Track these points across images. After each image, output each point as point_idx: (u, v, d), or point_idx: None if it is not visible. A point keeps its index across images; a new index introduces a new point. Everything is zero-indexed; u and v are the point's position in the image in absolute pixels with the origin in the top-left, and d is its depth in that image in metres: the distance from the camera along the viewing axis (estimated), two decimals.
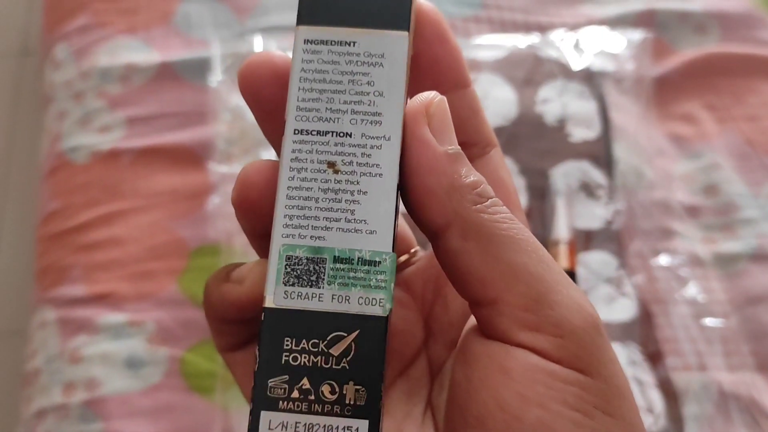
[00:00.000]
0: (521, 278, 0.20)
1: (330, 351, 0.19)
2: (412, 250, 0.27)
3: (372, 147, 0.21)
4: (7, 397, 0.65)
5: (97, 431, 0.49)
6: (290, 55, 0.22)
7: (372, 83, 0.21)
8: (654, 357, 0.52)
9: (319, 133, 0.21)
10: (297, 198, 0.20)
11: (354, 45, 0.21)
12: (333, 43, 0.21)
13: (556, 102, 0.60)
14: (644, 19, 0.69)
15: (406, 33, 0.21)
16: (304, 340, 0.19)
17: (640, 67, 0.65)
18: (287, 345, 0.19)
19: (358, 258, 0.20)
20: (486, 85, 0.60)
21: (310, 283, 0.20)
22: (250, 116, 0.60)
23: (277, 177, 0.20)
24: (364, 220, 0.20)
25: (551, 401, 0.19)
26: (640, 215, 0.58)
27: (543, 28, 0.67)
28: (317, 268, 0.20)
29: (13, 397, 0.57)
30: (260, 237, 0.22)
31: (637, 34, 0.66)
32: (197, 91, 0.63)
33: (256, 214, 0.21)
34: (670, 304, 0.55)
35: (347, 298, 0.20)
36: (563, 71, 0.62)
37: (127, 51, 0.66)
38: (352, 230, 0.20)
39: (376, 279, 0.20)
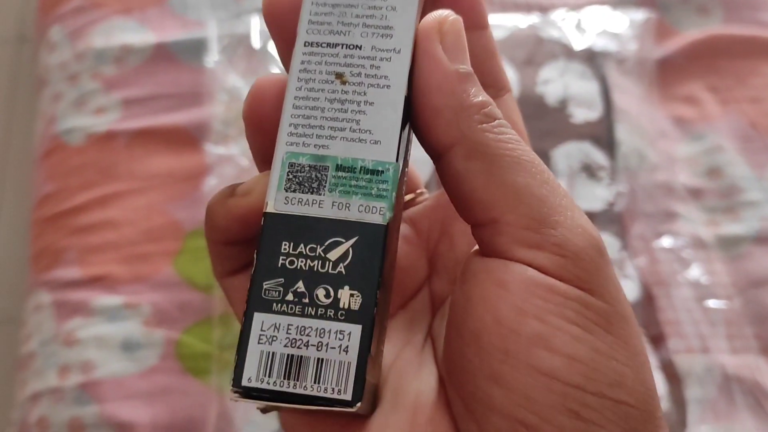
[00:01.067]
0: (524, 199, 0.19)
1: (327, 256, 0.19)
2: (418, 191, 0.27)
3: (381, 59, 0.20)
4: (3, 382, 0.64)
5: (92, 414, 0.49)
6: None
7: None
8: (656, 339, 0.52)
9: (328, 45, 0.21)
10: (303, 108, 0.20)
11: None
12: None
13: (557, 82, 0.60)
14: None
15: None
16: (302, 245, 0.19)
17: (643, 47, 0.64)
18: (285, 249, 0.19)
19: (361, 167, 0.20)
20: None
21: (311, 190, 0.20)
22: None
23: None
24: (369, 130, 0.20)
25: (549, 314, 0.19)
26: (642, 197, 0.58)
27: (544, 8, 0.66)
28: (319, 175, 0.20)
29: (9, 382, 0.56)
30: (269, 158, 0.22)
31: (640, 14, 0.65)
32: (193, 72, 0.62)
33: (266, 128, 0.21)
34: (673, 286, 0.54)
35: (347, 205, 0.20)
36: (565, 51, 0.61)
37: (123, 32, 0.65)
38: (357, 140, 0.20)
39: (377, 188, 0.20)
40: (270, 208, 0.20)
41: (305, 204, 0.20)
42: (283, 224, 0.20)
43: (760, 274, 0.56)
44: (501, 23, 0.63)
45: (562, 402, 0.18)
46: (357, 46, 0.20)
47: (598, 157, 0.57)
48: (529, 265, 0.19)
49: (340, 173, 0.20)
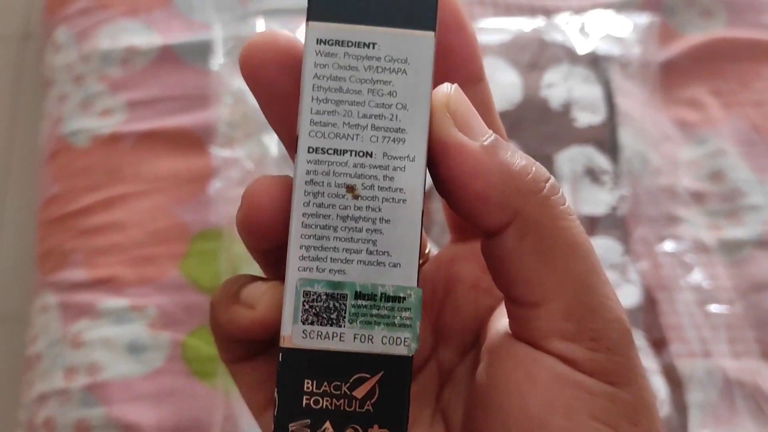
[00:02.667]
0: (571, 286, 0.19)
1: (353, 393, 0.18)
2: (426, 251, 0.26)
3: (395, 168, 0.19)
4: (8, 381, 0.65)
5: (98, 416, 0.49)
6: (296, 35, 0.20)
7: (394, 93, 0.19)
8: (658, 343, 0.52)
9: (335, 152, 0.19)
10: (313, 226, 0.18)
11: (374, 47, 0.19)
12: (350, 44, 0.19)
13: (561, 86, 0.60)
14: (650, 3, 0.68)
15: (432, 33, 0.19)
16: (325, 382, 0.18)
17: (647, 51, 0.64)
18: (308, 387, 0.18)
19: (381, 294, 0.18)
20: (490, 70, 0.59)
21: (330, 322, 0.18)
22: (252, 100, 0.60)
23: (289, 196, 0.19)
24: (387, 252, 0.19)
25: (577, 412, 0.19)
26: (645, 201, 0.58)
27: (548, 12, 0.66)
28: (337, 305, 0.18)
29: (15, 382, 0.57)
30: (266, 253, 0.21)
31: (644, 18, 0.65)
32: (199, 75, 0.63)
33: (265, 236, 0.20)
34: (675, 290, 0.54)
35: (370, 337, 0.18)
36: (568, 55, 0.61)
37: (128, 34, 0.65)
38: (374, 263, 0.19)
39: (400, 316, 0.18)
40: (288, 343, 0.18)
41: (325, 337, 0.18)
42: (303, 361, 0.18)
43: (761, 279, 0.56)
44: (505, 27, 0.64)
45: None
46: (368, 153, 0.19)
47: (602, 161, 0.58)
48: (561, 358, 0.19)
49: (359, 302, 0.19)
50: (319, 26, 0.19)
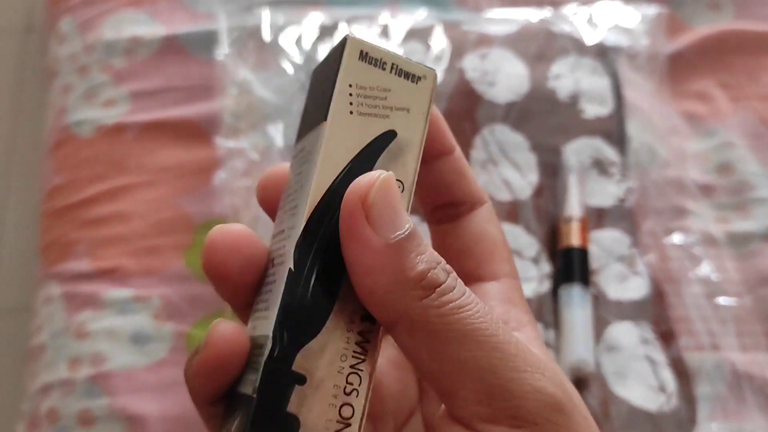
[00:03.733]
0: (471, 374, 0.19)
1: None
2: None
3: (288, 237, 0.22)
4: (15, 373, 0.64)
5: (102, 406, 0.49)
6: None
7: (301, 179, 0.23)
8: (666, 336, 0.51)
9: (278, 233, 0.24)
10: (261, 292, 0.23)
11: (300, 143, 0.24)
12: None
13: (568, 78, 0.59)
14: None
15: (324, 122, 0.22)
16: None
17: (654, 42, 0.64)
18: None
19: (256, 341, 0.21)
20: (497, 60, 0.59)
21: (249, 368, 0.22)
22: (257, 90, 0.60)
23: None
24: (268, 308, 0.22)
25: None
26: (653, 193, 0.57)
27: (556, 3, 0.66)
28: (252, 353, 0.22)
29: (20, 373, 0.56)
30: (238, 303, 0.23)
31: (652, 9, 0.65)
32: (203, 65, 0.62)
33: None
34: (683, 283, 0.54)
35: (251, 380, 0.21)
36: (576, 46, 0.61)
37: (132, 24, 0.65)
38: (264, 318, 0.22)
39: (258, 361, 0.21)
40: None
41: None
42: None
43: None
44: (512, 17, 0.63)
45: None
46: (281, 230, 0.24)
47: (609, 153, 0.57)
48: None
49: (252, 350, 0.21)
50: None
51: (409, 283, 0.20)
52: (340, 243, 0.21)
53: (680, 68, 0.65)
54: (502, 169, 0.55)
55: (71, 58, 0.64)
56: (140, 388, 0.50)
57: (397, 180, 0.22)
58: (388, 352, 0.24)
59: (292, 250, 0.21)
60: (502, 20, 0.63)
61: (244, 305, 0.23)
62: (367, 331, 0.21)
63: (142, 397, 0.50)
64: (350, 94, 0.22)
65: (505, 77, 0.58)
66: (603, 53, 0.61)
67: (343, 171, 0.21)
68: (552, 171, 0.56)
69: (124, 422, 0.49)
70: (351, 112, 0.22)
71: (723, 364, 0.51)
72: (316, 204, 0.21)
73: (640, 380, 0.49)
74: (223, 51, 0.62)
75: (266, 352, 0.20)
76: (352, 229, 0.20)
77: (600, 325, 0.50)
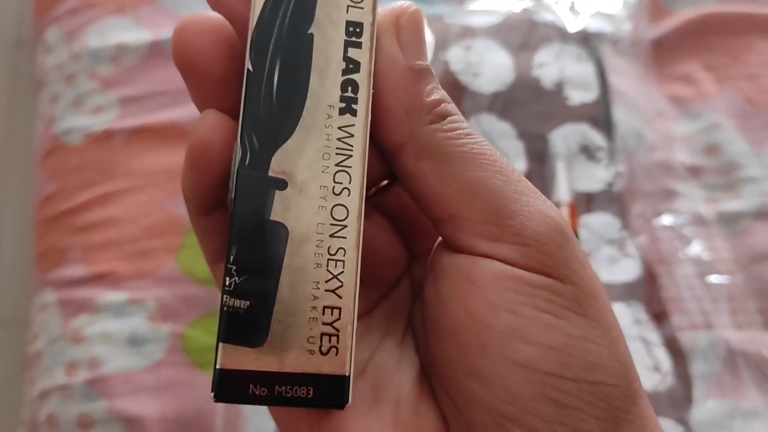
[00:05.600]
0: (477, 193, 0.20)
1: None
2: (383, 183, 0.26)
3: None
4: (12, 384, 0.64)
5: (100, 410, 0.49)
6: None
7: None
8: (659, 316, 0.52)
9: None
10: None
11: None
12: None
13: (553, 65, 0.60)
14: None
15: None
16: None
17: (637, 28, 0.64)
18: None
19: None
20: (482, 51, 0.59)
21: None
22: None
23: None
24: None
25: (520, 306, 0.19)
26: (641, 177, 0.58)
27: None
28: None
29: (19, 384, 0.57)
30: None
31: None
32: None
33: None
34: (674, 263, 0.54)
35: None
36: (559, 34, 0.61)
37: (118, 31, 0.65)
38: None
39: None
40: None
41: None
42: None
43: (761, 249, 0.56)
44: (495, 8, 0.63)
45: (541, 391, 0.19)
46: None
47: (596, 138, 0.58)
48: (495, 259, 0.19)
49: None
50: None
51: (425, 108, 0.20)
52: (300, 32, 0.20)
53: (664, 52, 0.65)
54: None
55: (58, 67, 0.65)
56: (138, 389, 0.50)
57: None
58: (373, 216, 0.24)
59: (248, 47, 0.20)
60: (485, 12, 0.63)
61: (217, 107, 0.21)
62: (349, 125, 0.20)
63: (140, 398, 0.50)
64: None
65: (489, 68, 0.59)
66: (586, 40, 0.61)
67: None
68: (540, 158, 0.56)
69: (123, 424, 0.49)
70: None
71: (717, 342, 0.51)
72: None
73: (636, 361, 0.48)
74: None
75: (237, 159, 0.19)
76: (384, 46, 0.20)
77: None
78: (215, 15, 0.21)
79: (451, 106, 0.21)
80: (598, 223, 0.54)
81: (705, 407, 0.48)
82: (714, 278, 0.54)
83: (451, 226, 0.20)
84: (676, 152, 0.60)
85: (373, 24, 0.20)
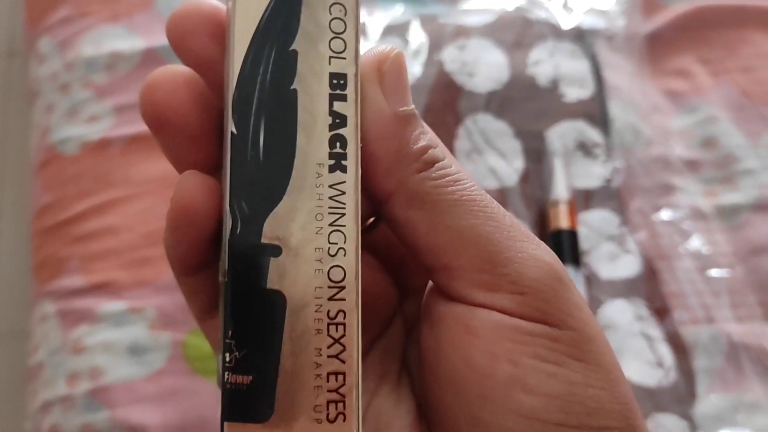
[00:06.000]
0: (470, 241, 0.19)
1: None
2: (370, 220, 0.25)
3: None
4: (13, 395, 0.64)
5: (103, 419, 0.49)
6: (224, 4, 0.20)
7: None
8: (661, 312, 0.52)
9: None
10: None
11: None
12: None
13: (547, 63, 0.60)
14: None
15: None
16: None
17: (631, 23, 0.64)
18: None
19: None
20: (476, 51, 0.59)
21: None
22: None
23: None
24: None
25: (521, 356, 0.19)
26: (639, 173, 0.58)
27: None
28: None
29: (20, 396, 0.56)
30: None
31: None
32: None
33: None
34: (674, 258, 0.54)
35: None
36: (553, 32, 0.61)
37: (111, 39, 0.65)
38: None
39: None
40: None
41: None
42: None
43: (761, 242, 0.56)
44: (488, 7, 0.63)
45: None
46: None
47: (593, 134, 0.57)
48: (492, 309, 0.19)
49: None
50: None
51: (412, 156, 0.20)
52: (283, 88, 0.19)
53: (659, 47, 0.65)
54: (487, 157, 0.56)
55: (52, 77, 0.65)
56: (140, 398, 0.50)
57: (337, 3, 0.20)
58: (364, 256, 0.23)
59: (229, 109, 0.19)
60: (479, 11, 0.63)
61: (193, 163, 0.20)
62: (339, 183, 0.19)
63: (143, 407, 0.50)
64: None
65: (484, 67, 0.59)
66: (580, 37, 0.61)
67: (267, 8, 0.19)
68: (537, 156, 0.56)
69: None
70: None
71: (719, 336, 0.51)
72: (244, 54, 0.19)
73: (638, 357, 0.49)
74: None
75: (228, 229, 0.18)
76: (368, 94, 0.20)
77: (594, 305, 0.51)
78: (184, 68, 0.20)
79: (439, 151, 0.20)
80: (597, 219, 0.54)
81: (709, 401, 0.48)
82: (714, 272, 0.54)
83: (444, 274, 0.20)
84: (673, 146, 0.60)
85: (356, 74, 0.20)
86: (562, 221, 0.52)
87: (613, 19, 0.63)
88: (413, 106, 0.20)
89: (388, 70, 0.20)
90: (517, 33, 0.61)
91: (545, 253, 0.20)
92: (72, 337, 0.52)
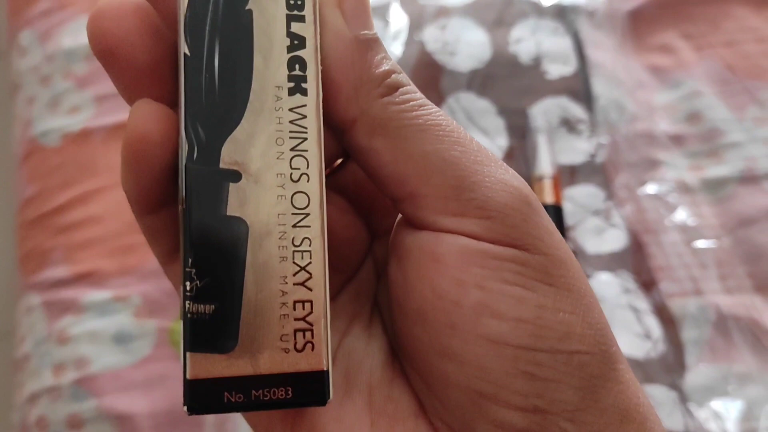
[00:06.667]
0: (435, 167, 0.19)
1: None
2: (337, 162, 0.25)
3: None
4: (3, 391, 0.64)
5: (90, 408, 0.49)
6: None
7: None
8: (648, 284, 0.51)
9: None
10: None
11: None
12: None
13: (529, 40, 0.59)
14: None
15: None
16: None
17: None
18: None
19: None
20: (457, 30, 0.59)
21: None
22: None
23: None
24: None
25: (488, 280, 0.18)
26: (624, 148, 0.57)
27: None
28: None
29: (8, 390, 0.56)
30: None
31: None
32: None
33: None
34: (661, 231, 0.54)
35: None
36: (534, 9, 0.61)
37: None
38: None
39: None
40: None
41: None
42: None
43: (748, 214, 0.56)
44: None
45: (515, 366, 0.18)
46: None
47: (576, 110, 0.57)
48: (459, 234, 0.19)
49: None
50: None
51: (374, 81, 0.19)
52: (238, 8, 0.18)
53: (641, 22, 0.65)
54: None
55: (33, 69, 0.64)
56: (126, 386, 0.50)
57: None
58: (330, 197, 0.23)
59: (182, 29, 0.18)
60: None
61: (148, 94, 0.19)
62: (300, 106, 0.19)
63: (129, 395, 0.49)
64: None
65: (466, 46, 0.58)
66: (562, 14, 0.61)
67: None
68: (521, 133, 0.56)
69: (113, 422, 0.48)
70: None
71: (707, 307, 0.51)
72: None
73: (626, 329, 0.49)
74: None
75: (184, 154, 0.18)
76: (326, 17, 0.19)
77: None
78: None
79: (403, 77, 0.20)
80: (583, 194, 0.54)
81: (698, 372, 0.48)
82: (701, 243, 0.54)
83: (411, 203, 0.19)
84: (658, 122, 0.60)
85: None
86: (547, 196, 0.51)
87: None
88: (375, 31, 0.20)
89: None
90: (498, 11, 0.60)
91: (513, 177, 0.19)
92: (57, 328, 0.52)
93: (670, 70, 0.63)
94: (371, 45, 0.19)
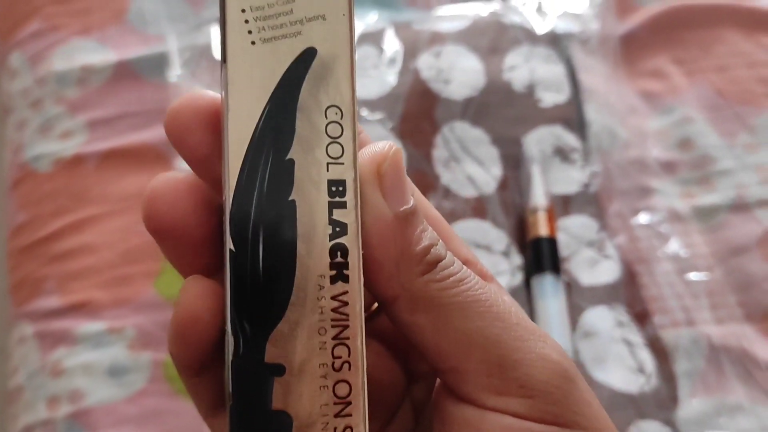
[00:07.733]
0: (476, 345, 0.19)
1: None
2: (374, 307, 0.25)
3: None
4: None
5: None
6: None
7: None
8: (641, 316, 0.52)
9: None
10: None
11: None
12: None
13: (523, 68, 0.59)
14: None
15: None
16: None
17: (605, 25, 0.64)
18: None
19: None
20: (451, 57, 0.59)
21: None
22: None
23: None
24: None
25: None
26: (616, 175, 0.58)
27: None
28: None
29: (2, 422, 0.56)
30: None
31: None
32: (157, 88, 0.62)
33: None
34: (653, 262, 0.54)
35: None
36: (528, 36, 0.61)
37: (83, 53, 0.64)
38: None
39: None
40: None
41: None
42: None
43: (738, 242, 0.56)
44: (462, 13, 0.63)
45: None
46: None
47: (570, 139, 0.58)
48: (503, 413, 0.19)
49: None
50: None
51: (414, 259, 0.19)
52: (281, 199, 0.19)
53: (633, 48, 0.65)
54: (465, 165, 0.56)
55: (23, 93, 0.64)
56: (121, 420, 0.49)
57: (333, 106, 0.19)
58: (369, 343, 0.23)
59: (228, 225, 0.18)
60: (453, 17, 0.63)
61: (197, 269, 0.20)
62: (341, 294, 0.19)
63: (124, 429, 0.49)
64: (246, 21, 0.19)
65: (460, 73, 0.58)
66: (555, 41, 0.61)
67: (262, 117, 0.19)
68: (515, 163, 0.56)
69: None
70: (253, 42, 0.19)
71: (699, 338, 0.52)
72: (240, 166, 0.18)
73: (619, 363, 0.49)
74: (175, 72, 0.61)
75: (230, 349, 0.18)
76: (367, 197, 0.19)
77: (575, 312, 0.51)
78: (184, 175, 0.19)
79: (441, 249, 0.20)
80: (576, 225, 0.54)
81: (691, 406, 0.49)
82: (693, 275, 0.54)
83: (453, 377, 0.20)
84: (650, 148, 0.60)
85: (356, 179, 0.19)
86: (541, 229, 0.52)
87: (587, 22, 0.63)
88: (413, 200, 0.20)
89: (387, 170, 0.20)
90: (492, 38, 0.61)
91: (552, 350, 0.20)
92: (51, 360, 0.52)
93: (661, 96, 0.64)
94: (410, 220, 0.20)
